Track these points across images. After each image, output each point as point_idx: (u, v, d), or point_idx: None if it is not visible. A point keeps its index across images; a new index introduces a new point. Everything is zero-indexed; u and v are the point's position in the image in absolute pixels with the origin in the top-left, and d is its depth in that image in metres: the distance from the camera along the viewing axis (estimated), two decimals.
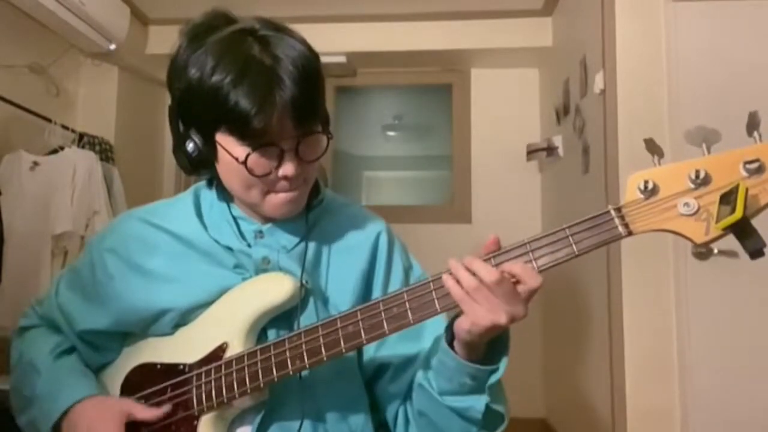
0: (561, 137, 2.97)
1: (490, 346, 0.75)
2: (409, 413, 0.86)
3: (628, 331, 2.06)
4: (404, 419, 0.87)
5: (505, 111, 3.55)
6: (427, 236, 3.10)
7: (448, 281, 0.70)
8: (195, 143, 0.82)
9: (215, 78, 0.76)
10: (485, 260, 0.71)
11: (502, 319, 0.68)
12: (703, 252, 2.02)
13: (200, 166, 0.85)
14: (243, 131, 0.77)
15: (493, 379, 0.75)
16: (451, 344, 0.76)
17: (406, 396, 0.87)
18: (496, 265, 0.70)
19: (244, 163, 0.78)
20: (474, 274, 0.69)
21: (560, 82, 2.97)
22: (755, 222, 0.63)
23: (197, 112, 0.81)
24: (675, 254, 2.05)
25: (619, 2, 2.17)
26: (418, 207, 3.95)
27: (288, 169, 0.80)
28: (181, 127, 0.85)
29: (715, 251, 2.01)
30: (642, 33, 2.15)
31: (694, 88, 2.07)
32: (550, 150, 3.04)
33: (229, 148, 0.80)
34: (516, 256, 0.70)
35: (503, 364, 0.76)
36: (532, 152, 3.23)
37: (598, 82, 2.32)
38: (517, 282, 0.69)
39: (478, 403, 0.76)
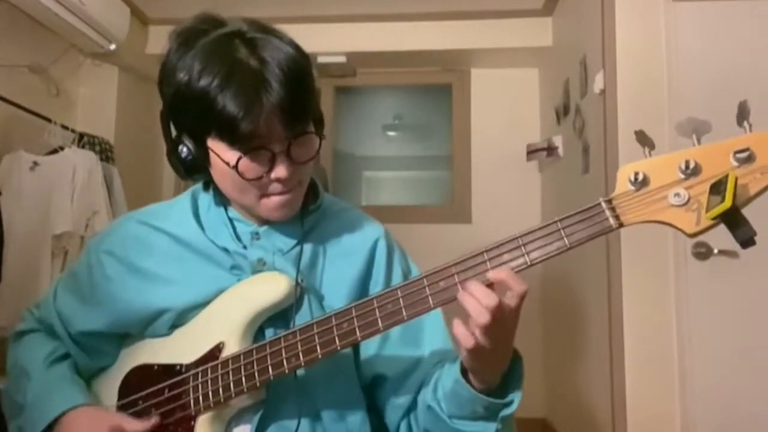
0: (561, 137, 2.97)
1: (504, 378, 0.76)
2: (413, 428, 0.86)
3: (628, 331, 2.06)
4: (407, 430, 0.87)
5: (505, 111, 3.55)
6: (427, 236, 3.10)
7: (458, 327, 0.69)
8: (188, 148, 0.82)
9: (202, 82, 0.76)
10: (476, 255, 0.71)
11: (487, 344, 0.68)
12: (702, 252, 2.02)
13: (194, 171, 0.84)
14: (232, 136, 0.77)
15: (506, 411, 0.75)
16: (463, 372, 0.76)
17: (410, 408, 0.86)
18: (490, 269, 0.70)
19: (236, 167, 0.78)
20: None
21: (560, 82, 2.97)
22: (747, 211, 0.62)
23: (187, 117, 0.81)
24: (675, 254, 2.05)
25: (619, 2, 2.17)
26: (418, 207, 3.95)
27: (280, 171, 0.80)
28: (174, 132, 0.84)
29: (715, 251, 2.01)
30: (642, 33, 2.15)
31: (694, 88, 2.07)
32: (550, 150, 3.04)
33: (220, 153, 0.79)
34: (508, 250, 0.70)
35: (517, 400, 0.75)
36: (532, 152, 3.23)
37: (598, 82, 2.32)
38: (506, 288, 0.69)
39: (487, 429, 0.76)
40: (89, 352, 0.95)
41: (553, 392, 3.17)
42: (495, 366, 0.73)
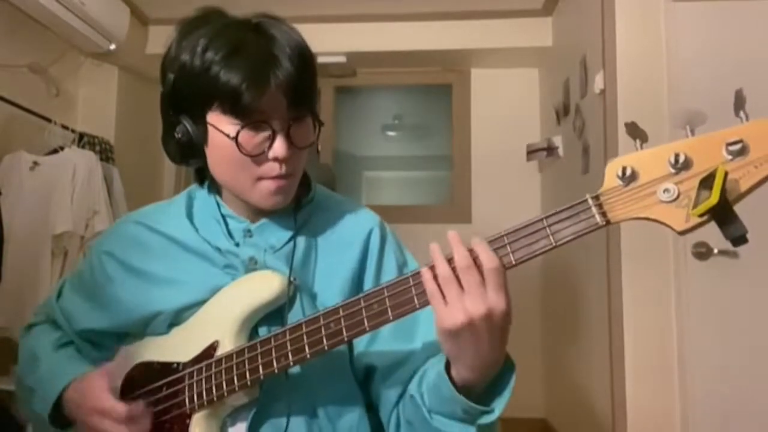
0: (561, 137, 2.98)
1: (491, 384, 0.73)
2: (401, 419, 0.85)
3: (628, 331, 2.06)
4: (396, 424, 0.86)
5: (505, 111, 3.55)
6: (427, 236, 3.08)
7: (425, 274, 0.69)
8: (185, 127, 0.82)
9: (207, 56, 0.77)
10: None
11: (459, 318, 0.65)
12: (703, 252, 2.02)
13: (189, 153, 0.84)
14: (234, 106, 0.77)
15: (485, 419, 0.72)
16: (449, 369, 0.73)
17: (399, 400, 0.85)
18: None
19: (236, 138, 0.78)
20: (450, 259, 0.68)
21: (560, 82, 2.97)
22: (742, 206, 0.59)
23: (188, 94, 0.81)
24: (675, 254, 2.06)
25: (619, 2, 2.17)
26: (418, 207, 3.96)
27: (279, 150, 0.79)
28: (173, 116, 0.84)
29: (715, 251, 2.01)
30: (642, 33, 2.15)
31: (694, 88, 2.07)
32: (550, 150, 3.04)
33: (221, 126, 0.79)
34: (493, 248, 0.68)
35: (499, 409, 0.72)
36: (532, 152, 3.23)
37: (598, 82, 2.32)
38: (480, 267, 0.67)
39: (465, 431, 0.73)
40: (93, 345, 0.97)
41: (553, 392, 3.18)
42: (479, 362, 0.68)
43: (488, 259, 0.66)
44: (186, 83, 0.80)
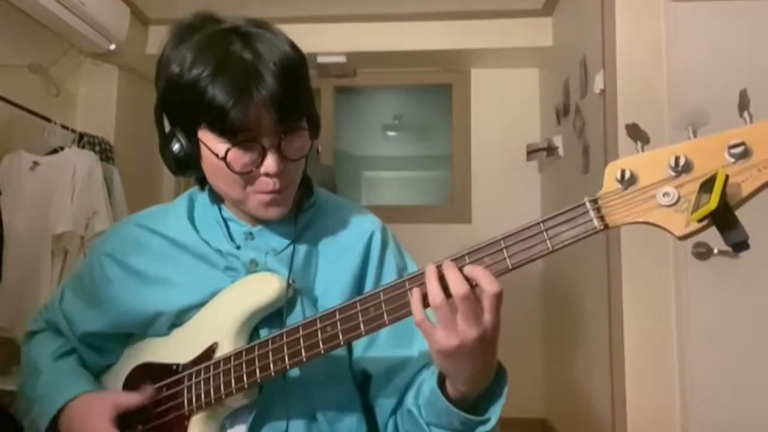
0: (561, 137, 2.97)
1: (485, 394, 0.73)
2: (399, 428, 0.85)
3: (628, 332, 2.06)
4: (394, 431, 0.86)
5: (505, 111, 3.55)
6: (427, 236, 3.10)
7: (414, 296, 0.68)
8: (179, 142, 0.81)
9: (194, 72, 0.76)
10: (458, 257, 0.68)
11: (452, 341, 0.65)
12: (703, 252, 2.02)
13: (186, 166, 0.84)
14: (221, 126, 0.76)
15: (482, 429, 0.73)
16: (442, 380, 0.74)
17: (396, 408, 0.85)
18: (469, 263, 0.67)
19: (224, 158, 0.77)
20: (445, 286, 0.66)
21: (560, 82, 2.97)
22: (744, 208, 0.58)
23: (178, 109, 0.81)
24: (675, 254, 2.06)
25: (619, 2, 2.17)
26: (418, 207, 3.95)
27: (270, 166, 0.79)
28: (167, 126, 0.84)
29: (715, 251, 2.01)
30: (642, 33, 2.15)
31: (694, 88, 2.07)
32: (550, 150, 3.04)
33: (211, 144, 0.79)
34: (489, 253, 0.67)
35: (495, 416, 0.73)
36: (532, 152, 3.23)
37: (598, 82, 2.32)
38: (478, 288, 0.66)
39: None
40: (95, 351, 0.96)
41: (553, 392, 3.17)
42: (472, 375, 0.69)
43: (491, 286, 0.65)
44: (175, 98, 0.80)
